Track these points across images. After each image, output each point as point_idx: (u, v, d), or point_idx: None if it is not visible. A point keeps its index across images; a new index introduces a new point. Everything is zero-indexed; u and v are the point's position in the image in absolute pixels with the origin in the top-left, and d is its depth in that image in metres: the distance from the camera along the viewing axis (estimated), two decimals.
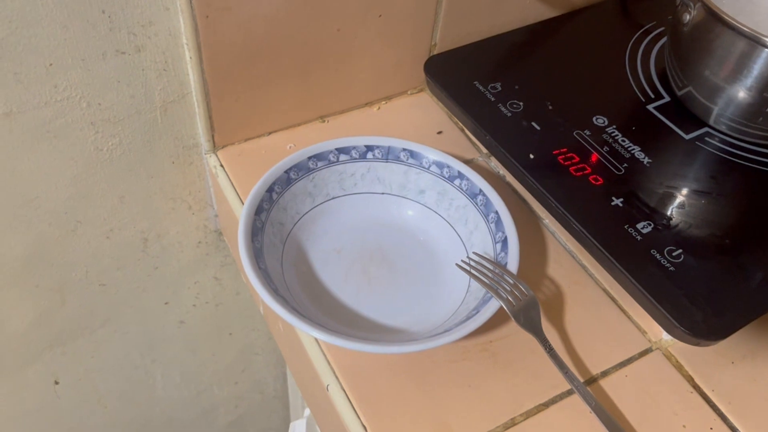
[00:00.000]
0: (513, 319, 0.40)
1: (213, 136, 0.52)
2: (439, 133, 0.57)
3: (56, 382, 0.66)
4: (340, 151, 0.48)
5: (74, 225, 0.53)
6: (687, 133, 0.52)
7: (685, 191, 0.48)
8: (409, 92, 0.60)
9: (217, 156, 0.53)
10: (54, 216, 0.51)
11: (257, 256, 0.41)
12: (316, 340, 0.43)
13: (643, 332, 0.45)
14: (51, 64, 0.43)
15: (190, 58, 0.46)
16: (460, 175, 0.47)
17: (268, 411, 0.89)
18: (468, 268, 0.42)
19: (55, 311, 0.59)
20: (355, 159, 0.48)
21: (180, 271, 0.63)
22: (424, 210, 0.49)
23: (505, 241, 0.43)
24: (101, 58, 0.44)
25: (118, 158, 0.50)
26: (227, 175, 0.52)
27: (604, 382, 0.42)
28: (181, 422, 0.82)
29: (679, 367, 0.43)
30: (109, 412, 0.74)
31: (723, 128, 0.52)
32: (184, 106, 0.50)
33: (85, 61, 0.44)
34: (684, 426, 0.41)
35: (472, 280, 0.43)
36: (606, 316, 0.46)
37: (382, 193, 0.49)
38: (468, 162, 0.55)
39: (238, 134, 0.54)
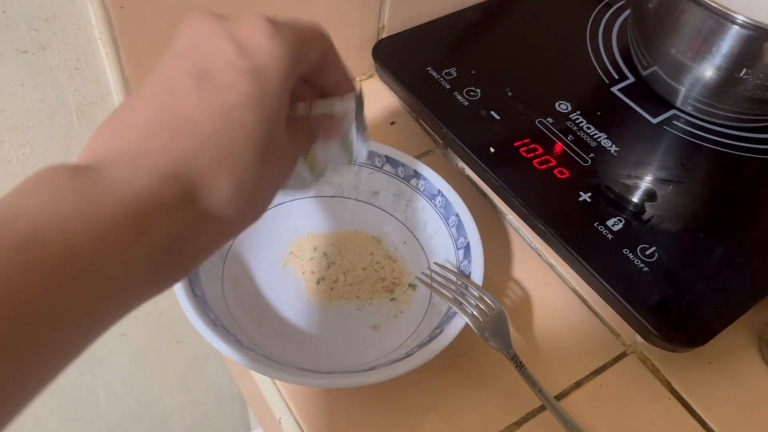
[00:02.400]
0: (480, 337, 0.36)
1: None
2: (392, 123, 0.52)
3: None
4: None
5: None
6: (654, 117, 0.49)
7: (655, 181, 0.45)
8: (357, 79, 0.55)
9: None
10: None
11: (192, 281, 0.36)
12: None
13: (617, 335, 0.42)
14: None
15: (106, 54, 0.41)
16: (417, 174, 0.43)
17: (227, 414, 0.85)
18: (429, 281, 0.38)
19: None
20: None
21: None
22: (380, 213, 0.45)
23: (467, 248, 0.40)
24: None
25: (31, 168, 0.45)
26: None
27: (578, 394, 0.39)
28: None
29: (655, 372, 0.41)
30: None
31: (690, 110, 0.49)
32: (104, 108, 0.44)
33: None
34: None
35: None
36: (577, 319, 0.43)
37: (332, 196, 0.45)
38: (424, 154, 0.51)
39: None
